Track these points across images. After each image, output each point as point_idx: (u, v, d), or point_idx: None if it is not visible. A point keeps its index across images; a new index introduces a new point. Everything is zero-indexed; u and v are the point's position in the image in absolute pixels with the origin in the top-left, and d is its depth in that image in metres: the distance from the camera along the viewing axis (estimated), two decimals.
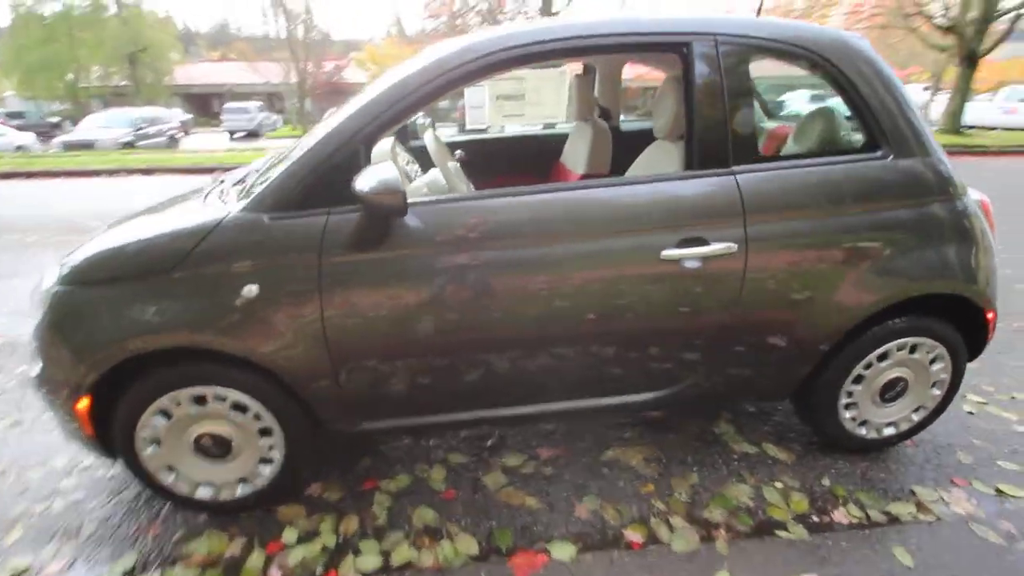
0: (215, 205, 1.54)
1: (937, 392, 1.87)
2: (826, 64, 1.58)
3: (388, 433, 1.65)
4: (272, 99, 29.19)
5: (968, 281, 1.69)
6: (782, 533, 1.59)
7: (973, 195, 1.76)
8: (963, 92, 13.26)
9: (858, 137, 1.92)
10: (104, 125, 15.81)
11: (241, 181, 1.74)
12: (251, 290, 1.39)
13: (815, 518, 1.65)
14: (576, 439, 2.02)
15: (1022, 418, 2.15)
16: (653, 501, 1.71)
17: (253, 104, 23.47)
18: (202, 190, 1.83)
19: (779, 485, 1.78)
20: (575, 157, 2.54)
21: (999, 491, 1.76)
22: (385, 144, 1.74)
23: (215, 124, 25.76)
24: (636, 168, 2.04)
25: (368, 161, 1.42)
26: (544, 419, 1.69)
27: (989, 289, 1.74)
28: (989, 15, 12.20)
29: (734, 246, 1.52)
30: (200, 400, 1.51)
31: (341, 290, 1.42)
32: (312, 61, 23.41)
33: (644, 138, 2.81)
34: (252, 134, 22.44)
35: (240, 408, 1.53)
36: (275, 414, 1.55)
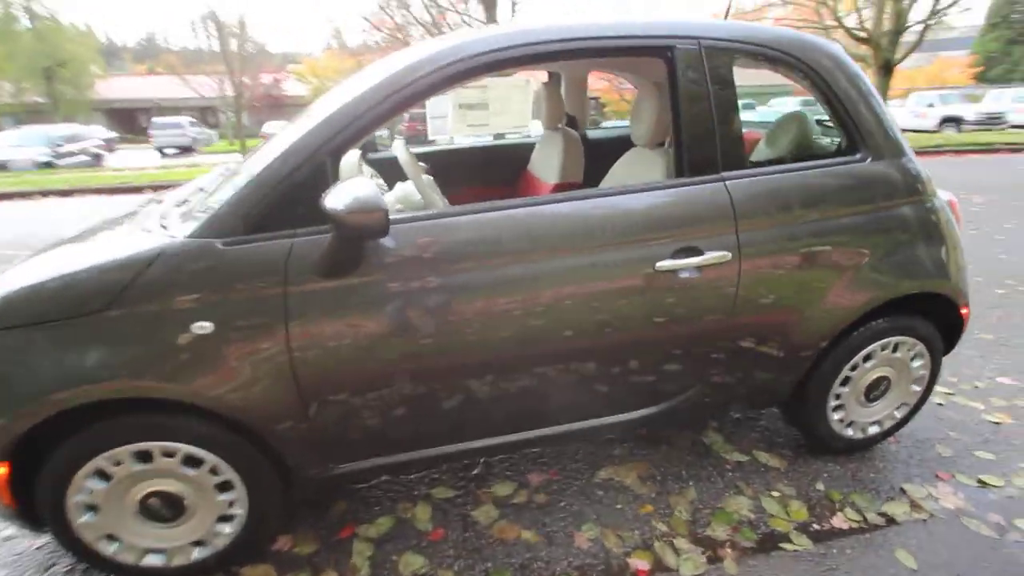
0: (155, 230, 1.34)
1: (917, 388, 1.90)
2: (806, 68, 1.57)
3: (367, 474, 1.49)
4: (205, 113, 27.87)
5: (945, 278, 1.72)
6: (787, 546, 1.55)
7: (942, 194, 1.80)
8: (882, 98, 14.26)
9: (829, 141, 1.95)
10: (17, 144, 14.55)
11: (184, 202, 1.54)
12: (202, 327, 1.21)
13: (816, 526, 1.62)
14: (566, 459, 1.91)
15: (988, 406, 2.22)
16: (654, 523, 1.63)
17: (185, 119, 22.23)
18: (136, 213, 1.61)
19: (776, 494, 1.74)
20: (545, 166, 2.46)
21: (981, 482, 1.79)
22: (351, 157, 1.59)
23: (143, 140, 24.27)
24: (613, 177, 1.98)
25: (336, 176, 1.27)
26: (536, 445, 1.58)
27: (963, 285, 1.78)
28: (901, 27, 13.20)
29: (728, 254, 1.47)
30: (145, 456, 1.31)
31: (311, 321, 1.26)
32: (248, 74, 22.49)
33: (611, 146, 2.80)
34: (185, 150, 21.24)
35: (193, 462, 1.33)
36: (235, 465, 1.36)
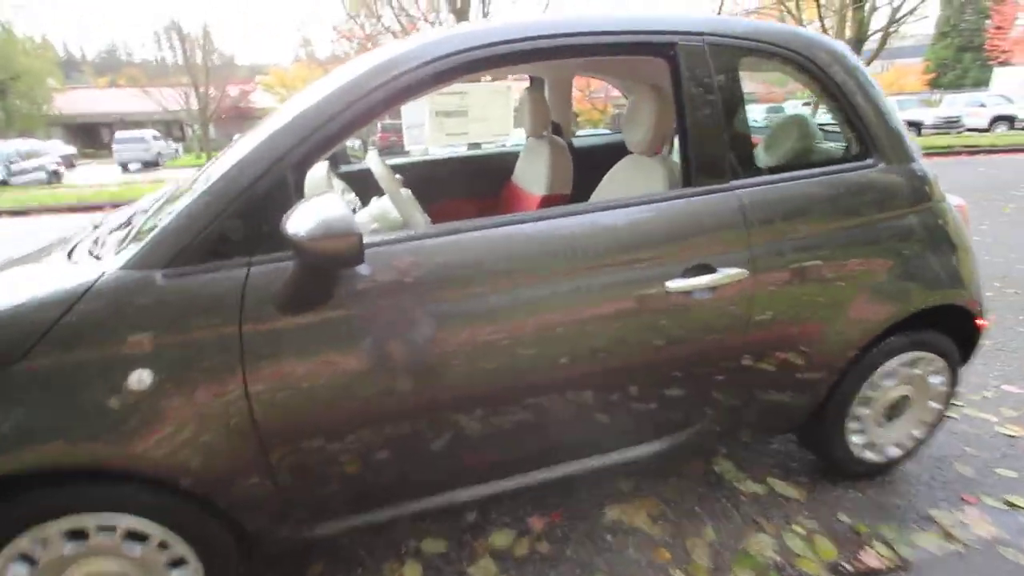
0: (85, 261, 1.13)
1: (936, 405, 1.79)
2: (815, 68, 1.45)
3: (346, 534, 1.29)
4: (170, 127, 27.10)
5: (961, 288, 1.62)
6: None
7: (951, 199, 1.70)
8: None
9: (832, 145, 1.84)
10: None
11: (124, 226, 1.33)
12: (140, 377, 1.00)
13: (847, 565, 1.47)
14: (568, 497, 1.74)
15: (1000, 418, 2.13)
16: (672, 571, 1.46)
17: (149, 132, 21.49)
18: (69, 240, 1.39)
19: (799, 529, 1.60)
20: (532, 177, 2.30)
21: (1010, 504, 1.68)
22: (318, 171, 1.40)
23: (105, 155, 23.39)
24: (608, 187, 1.83)
25: (301, 193, 1.09)
26: (537, 490, 1.40)
27: (979, 294, 1.68)
28: (863, 35, 13.59)
29: (744, 271, 1.33)
30: (79, 534, 1.09)
31: (274, 363, 1.07)
32: (215, 85, 21.93)
33: (600, 154, 2.66)
34: (149, 164, 20.51)
35: (137, 537, 1.12)
36: (188, 537, 1.14)
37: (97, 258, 1.14)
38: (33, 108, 25.42)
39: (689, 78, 1.31)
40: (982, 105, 18.16)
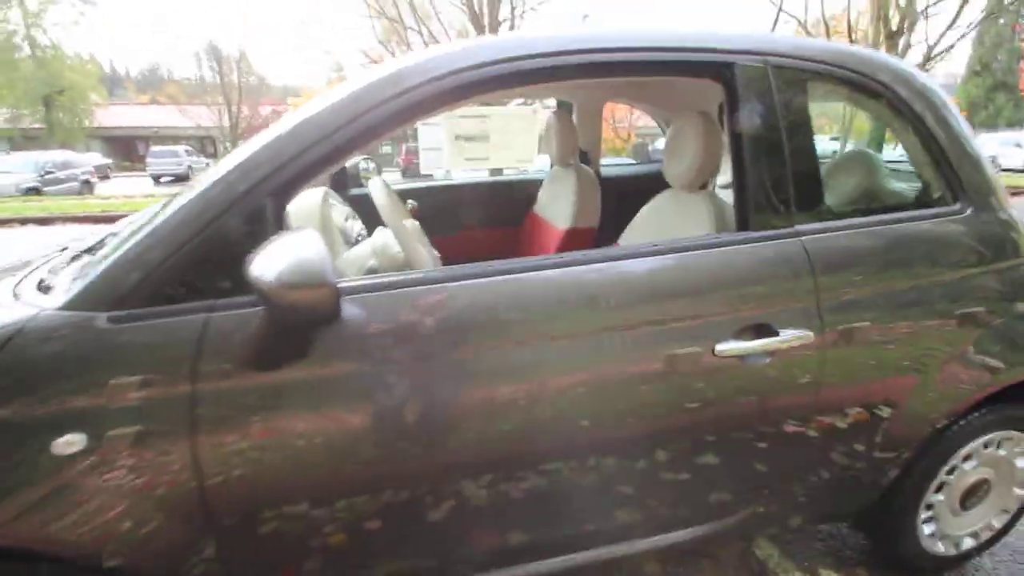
0: (28, 295, 0.96)
1: (1021, 492, 1.52)
2: (897, 99, 1.24)
3: None
4: (204, 143, 27.88)
5: None
6: None
7: None
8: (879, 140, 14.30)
9: (903, 186, 1.62)
10: (4, 170, 14.22)
11: (89, 251, 1.17)
12: (70, 442, 0.82)
13: None
14: None
15: None
16: None
17: (182, 147, 22.14)
18: (29, 264, 1.23)
19: None
20: (556, 208, 2.12)
21: None
22: (312, 196, 1.24)
23: (140, 168, 24.08)
24: (643, 225, 1.63)
25: (281, 226, 0.91)
26: None
27: None
28: None
29: (810, 334, 1.10)
30: None
31: (231, 427, 0.87)
32: (247, 104, 22.59)
33: (631, 187, 2.47)
34: (181, 178, 21.03)
35: None
36: None
37: (46, 291, 0.97)
38: (75, 121, 26.40)
39: (748, 104, 1.12)
40: (1018, 145, 17.66)
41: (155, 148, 21.71)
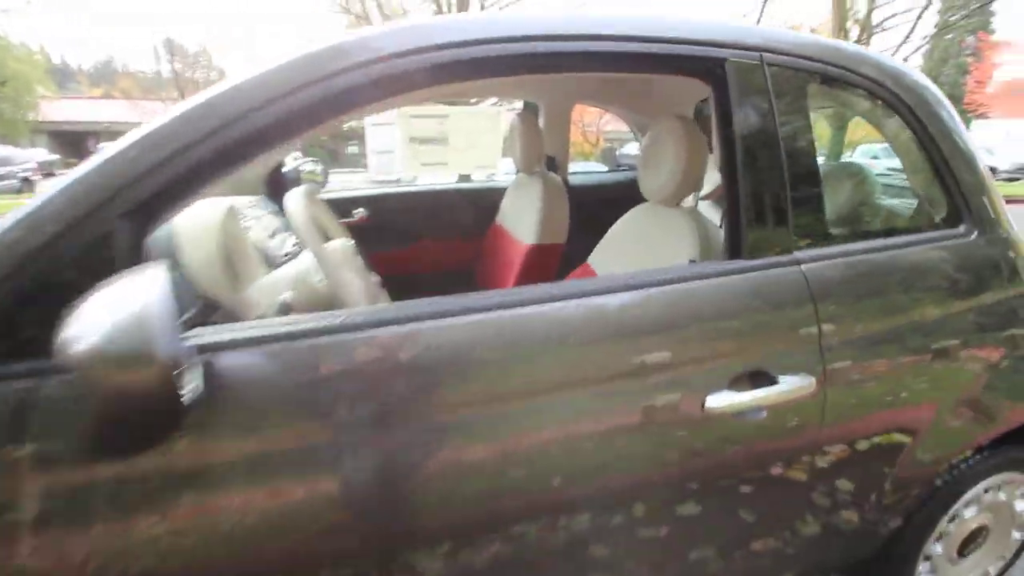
0: None
1: (1019, 536, 1.40)
2: (903, 108, 1.10)
3: None
4: None
5: None
6: None
7: None
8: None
9: (894, 203, 1.49)
10: None
11: None
12: None
13: None
14: None
15: None
16: None
17: None
18: None
19: None
20: (520, 220, 1.92)
21: None
22: (211, 209, 1.00)
23: None
24: (615, 245, 1.45)
25: (140, 257, 0.68)
26: None
27: None
28: None
29: (812, 380, 0.94)
30: None
31: (69, 527, 0.64)
32: None
33: (603, 196, 2.29)
34: None
35: None
36: None
37: None
38: (18, 114, 24.84)
39: (742, 107, 0.95)
40: (875, 157, 18.43)
41: (104, 144, 20.58)
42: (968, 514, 1.30)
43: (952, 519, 1.28)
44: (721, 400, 0.88)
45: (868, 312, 1.02)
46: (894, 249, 1.08)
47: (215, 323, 0.93)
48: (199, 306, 0.92)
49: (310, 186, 1.09)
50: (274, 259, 1.24)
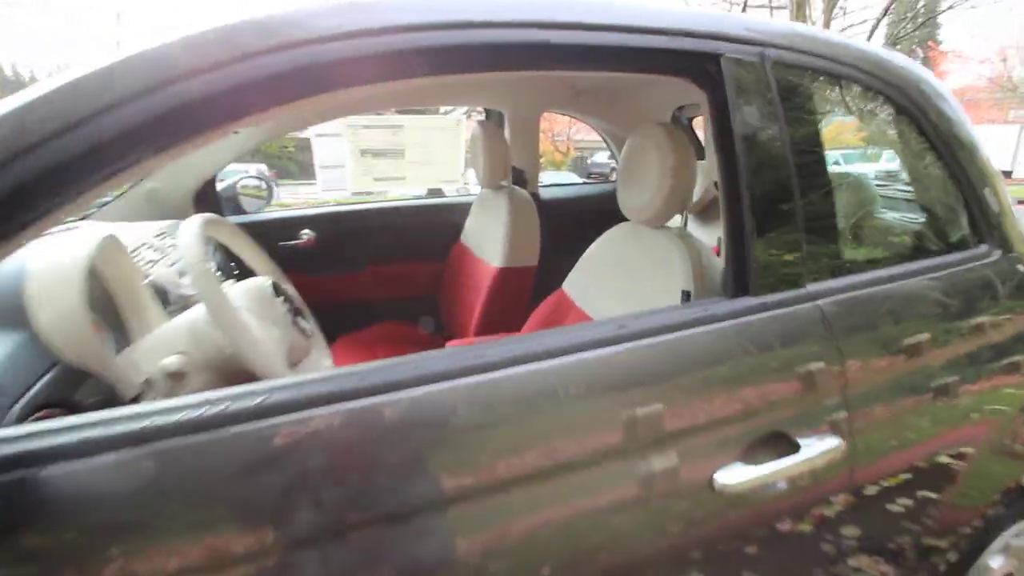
0: None
1: None
2: (919, 114, 0.96)
3: None
4: None
5: None
6: None
7: None
8: None
9: (893, 216, 1.35)
10: None
11: None
12: None
13: None
14: None
15: None
16: None
17: None
18: None
19: None
20: (486, 241, 1.73)
21: None
22: (77, 241, 0.77)
23: None
24: (593, 270, 1.28)
25: None
26: None
27: None
28: None
29: (839, 442, 0.77)
30: None
31: None
32: None
33: (578, 209, 2.14)
34: None
35: None
36: None
37: None
38: None
39: (742, 110, 0.78)
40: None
41: None
42: (994, 564, 1.16)
43: (980, 571, 1.14)
44: (733, 476, 0.70)
45: (898, 350, 0.86)
46: (922, 274, 0.93)
47: (76, 404, 0.71)
48: (55, 378, 0.69)
49: (211, 216, 0.87)
50: (185, 303, 1.01)
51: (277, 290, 0.89)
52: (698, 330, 0.73)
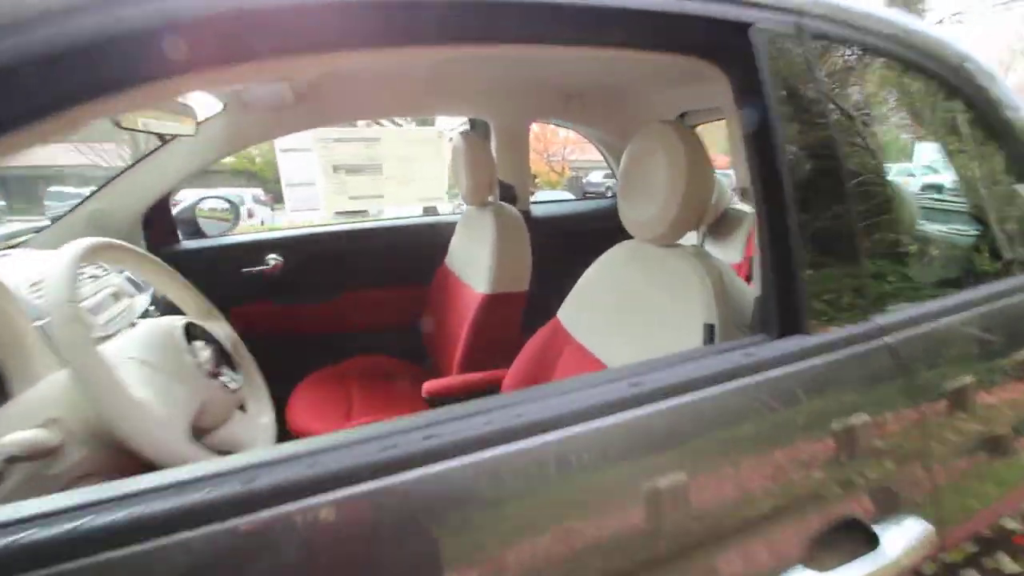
0: None
1: None
2: (997, 123, 0.79)
3: None
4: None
5: None
6: None
7: None
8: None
9: (939, 230, 1.18)
10: None
11: None
12: None
13: None
14: None
15: None
16: None
17: (88, 189, 20.05)
18: None
19: None
20: (471, 264, 1.54)
21: None
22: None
23: (36, 212, 21.59)
24: (592, 295, 1.08)
25: None
26: None
27: None
28: None
29: (927, 529, 0.57)
30: None
31: None
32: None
33: (573, 227, 1.97)
34: None
35: None
36: None
37: None
38: None
39: (783, 97, 0.60)
40: (911, 175, 19.31)
41: (53, 188, 19.51)
42: None
43: None
44: None
45: (984, 394, 0.67)
46: (1004, 298, 0.74)
47: None
48: None
49: (91, 242, 0.69)
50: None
51: (192, 334, 0.70)
52: (739, 383, 0.54)
